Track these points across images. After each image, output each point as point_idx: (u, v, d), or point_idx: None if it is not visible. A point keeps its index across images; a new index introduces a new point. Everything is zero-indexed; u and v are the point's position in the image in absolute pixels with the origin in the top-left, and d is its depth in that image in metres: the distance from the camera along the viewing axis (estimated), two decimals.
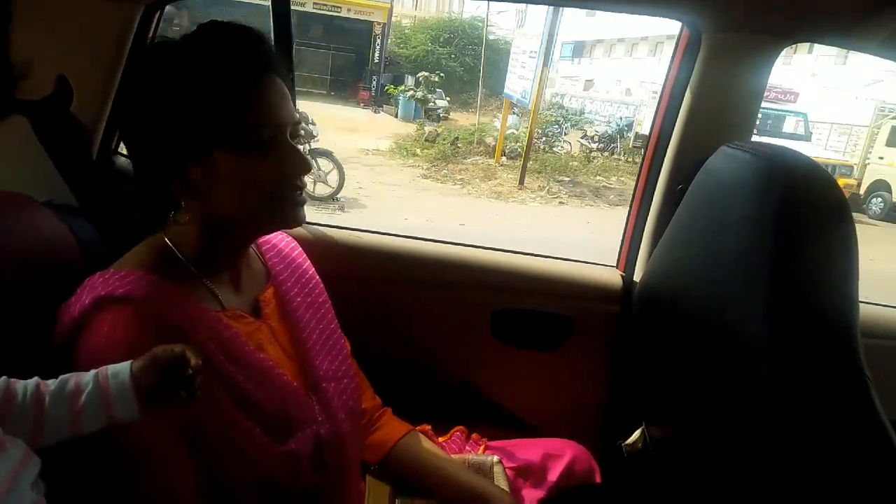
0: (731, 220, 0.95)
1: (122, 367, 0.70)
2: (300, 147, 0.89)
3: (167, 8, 1.31)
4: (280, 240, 1.10)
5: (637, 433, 1.31)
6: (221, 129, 0.82)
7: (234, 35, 0.85)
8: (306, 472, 0.90)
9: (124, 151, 1.36)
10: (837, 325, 0.82)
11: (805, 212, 0.84)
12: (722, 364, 0.94)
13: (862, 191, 12.46)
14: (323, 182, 7.89)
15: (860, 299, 0.85)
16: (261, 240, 1.04)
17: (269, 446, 0.86)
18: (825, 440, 0.82)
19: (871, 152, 13.16)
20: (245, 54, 0.84)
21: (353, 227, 1.51)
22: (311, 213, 0.97)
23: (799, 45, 1.32)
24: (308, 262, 1.11)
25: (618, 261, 1.57)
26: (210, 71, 0.82)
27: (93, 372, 0.70)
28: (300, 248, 1.12)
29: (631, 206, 1.53)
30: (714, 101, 1.33)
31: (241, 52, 0.84)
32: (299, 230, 1.37)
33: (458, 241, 1.55)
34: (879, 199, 12.17)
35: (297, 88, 1.23)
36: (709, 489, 1.03)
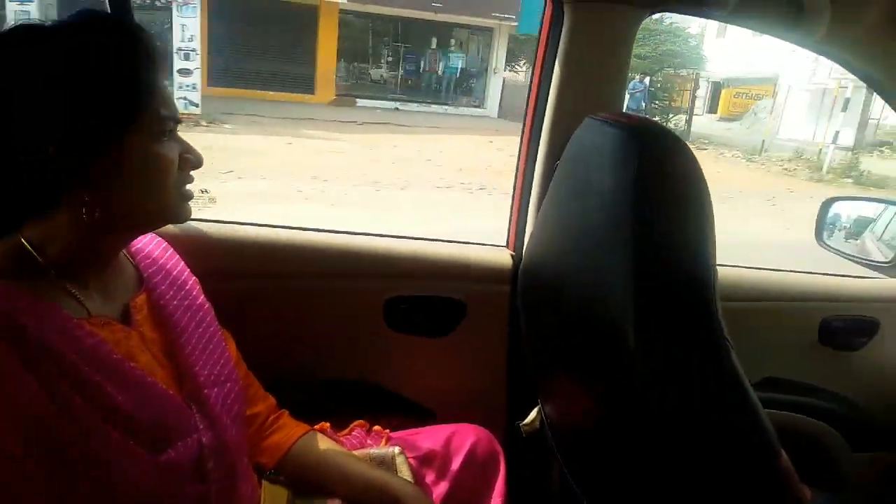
0: (594, 191, 0.97)
1: None
2: None
3: None
4: (149, 242, 1.02)
5: (534, 413, 1.33)
6: (133, 118, 0.80)
7: (122, 25, 0.83)
8: (188, 484, 0.85)
9: None
10: (697, 289, 0.85)
11: (660, 178, 0.87)
12: (597, 337, 0.96)
13: None
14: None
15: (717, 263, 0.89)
16: (131, 244, 0.98)
17: (144, 459, 0.80)
18: (687, 406, 0.85)
19: None
20: (143, 46, 0.82)
21: (226, 220, 1.42)
22: None
23: None
24: (182, 264, 1.04)
25: (507, 240, 1.57)
26: (119, 57, 0.80)
27: None
28: (172, 250, 1.05)
29: (515, 184, 1.53)
30: (581, 74, 1.36)
31: (137, 41, 0.82)
32: (169, 228, 1.28)
33: (344, 230, 1.50)
34: None
35: None
36: (594, 463, 1.05)
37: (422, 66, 19.02)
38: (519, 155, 1.51)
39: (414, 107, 17.57)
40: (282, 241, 1.42)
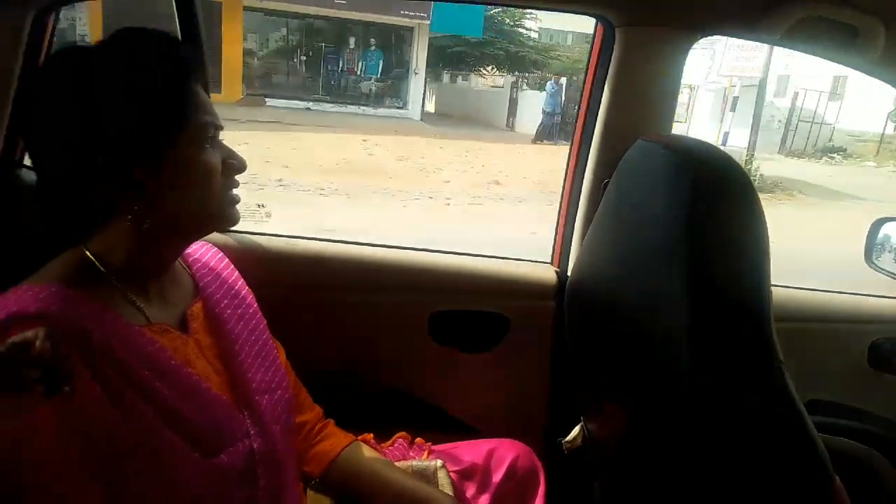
0: (647, 211, 0.97)
1: None
2: None
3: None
4: (205, 252, 1.06)
5: (576, 429, 1.32)
6: (177, 127, 0.83)
7: (160, 39, 0.86)
8: (238, 488, 0.88)
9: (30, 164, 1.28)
10: (751, 310, 0.84)
11: (713, 199, 0.87)
12: (648, 356, 0.96)
13: None
14: None
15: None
16: (186, 253, 1.01)
17: (197, 461, 0.83)
18: (742, 430, 0.84)
19: None
20: (178, 56, 0.86)
21: (280, 234, 1.47)
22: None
23: None
24: (236, 273, 1.08)
25: (552, 256, 1.58)
26: (159, 70, 0.83)
27: None
28: (227, 260, 1.09)
29: (561, 202, 1.54)
30: (631, 96, 1.36)
31: (174, 54, 0.86)
32: (225, 239, 1.33)
33: (391, 245, 1.52)
34: None
35: None
36: (640, 482, 1.05)
37: (340, 65, 18.63)
38: (566, 172, 1.52)
39: (328, 107, 17.21)
40: (331, 255, 1.46)
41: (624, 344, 1.05)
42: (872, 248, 1.75)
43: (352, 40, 18.54)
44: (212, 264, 1.05)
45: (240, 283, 1.06)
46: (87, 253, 0.85)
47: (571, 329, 1.34)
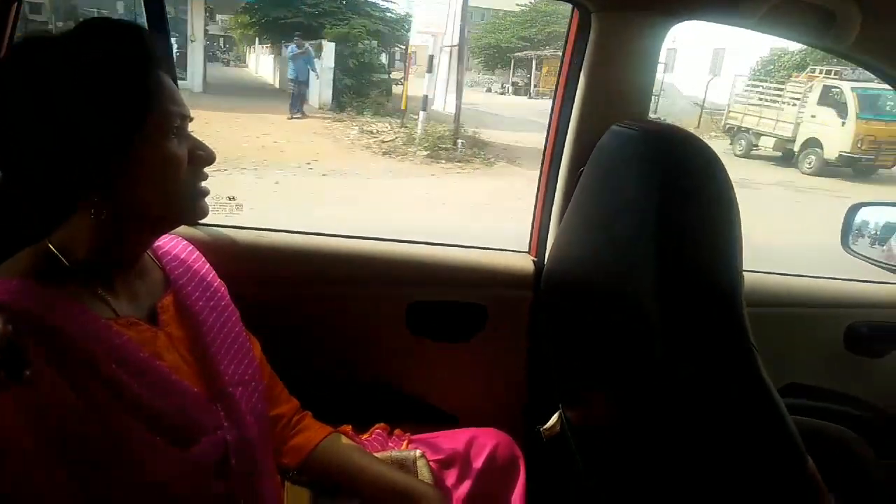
0: (620, 197, 0.97)
1: None
2: None
3: None
4: (175, 245, 1.05)
5: (555, 417, 1.33)
6: (140, 120, 0.81)
7: (124, 29, 0.84)
8: (213, 480, 0.87)
9: None
10: (722, 294, 0.85)
11: (684, 183, 0.87)
12: (623, 342, 0.96)
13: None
14: None
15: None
16: (156, 246, 1.00)
17: (169, 453, 0.82)
18: (714, 413, 0.85)
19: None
20: (142, 47, 0.84)
21: (253, 226, 1.45)
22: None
23: None
24: (208, 266, 1.07)
25: (529, 246, 1.58)
26: (121, 63, 0.80)
27: None
28: (198, 252, 1.07)
29: (538, 191, 1.54)
30: (607, 82, 1.36)
31: (137, 45, 0.83)
32: (195, 232, 1.31)
33: (367, 236, 1.51)
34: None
35: None
36: (618, 468, 1.05)
37: None
38: (542, 161, 1.52)
39: None
40: (306, 247, 1.44)
41: (599, 331, 1.05)
42: (849, 232, 1.77)
43: (119, 5, 16.82)
44: (182, 256, 1.04)
45: (211, 275, 1.05)
46: (51, 247, 0.84)
47: (548, 317, 1.34)
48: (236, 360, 0.98)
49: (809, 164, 12.93)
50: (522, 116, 16.17)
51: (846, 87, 12.77)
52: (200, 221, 1.33)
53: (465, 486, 1.21)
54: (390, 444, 1.27)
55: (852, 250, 1.75)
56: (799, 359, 1.65)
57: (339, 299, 1.46)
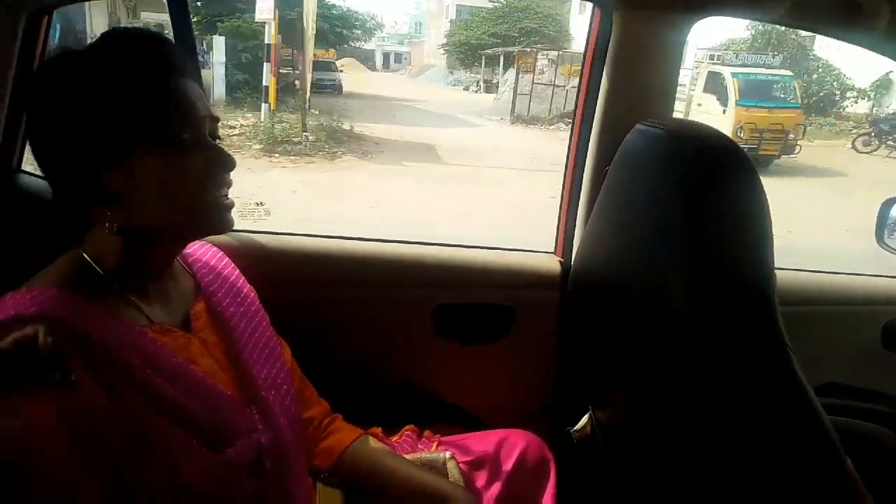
0: (646, 196, 0.96)
1: None
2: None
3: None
4: (205, 252, 1.06)
5: (585, 418, 1.32)
6: (141, 130, 0.80)
7: (141, 39, 0.85)
8: (247, 481, 0.88)
9: (28, 169, 1.29)
10: (754, 293, 0.83)
11: (712, 182, 0.86)
12: (652, 341, 0.95)
13: None
14: None
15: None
16: (186, 253, 1.01)
17: (205, 456, 0.83)
18: (750, 414, 0.83)
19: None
20: (155, 56, 0.84)
21: (281, 231, 1.47)
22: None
23: None
24: (237, 272, 1.08)
25: (555, 246, 1.57)
26: (123, 74, 0.81)
27: None
28: (227, 259, 1.09)
29: (563, 191, 1.53)
30: (630, 81, 1.35)
31: (150, 54, 0.84)
32: (224, 238, 1.32)
33: (393, 239, 1.52)
34: None
35: None
36: (649, 470, 1.04)
37: None
38: (567, 161, 1.51)
39: None
40: (333, 251, 1.46)
41: (628, 331, 1.04)
42: (884, 227, 1.73)
43: None
44: (212, 263, 1.05)
45: (241, 281, 1.07)
46: (85, 255, 0.85)
47: (576, 318, 1.33)
48: (268, 364, 0.99)
49: None
50: (450, 113, 16.21)
51: (727, 72, 12.11)
52: None
53: (496, 488, 1.20)
54: (420, 445, 1.27)
55: (888, 245, 1.71)
56: (835, 358, 1.61)
57: (367, 302, 1.47)
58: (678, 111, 12.32)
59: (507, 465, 1.22)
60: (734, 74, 11.92)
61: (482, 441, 1.27)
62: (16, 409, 0.68)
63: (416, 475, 1.11)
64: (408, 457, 1.18)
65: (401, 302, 1.48)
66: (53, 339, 0.68)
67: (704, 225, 0.84)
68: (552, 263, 1.53)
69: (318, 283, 1.44)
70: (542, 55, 15.19)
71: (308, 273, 1.43)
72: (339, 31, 19.11)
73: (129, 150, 0.80)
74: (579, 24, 20.98)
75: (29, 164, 1.28)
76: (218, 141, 0.89)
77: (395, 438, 1.27)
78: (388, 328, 1.48)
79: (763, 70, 12.21)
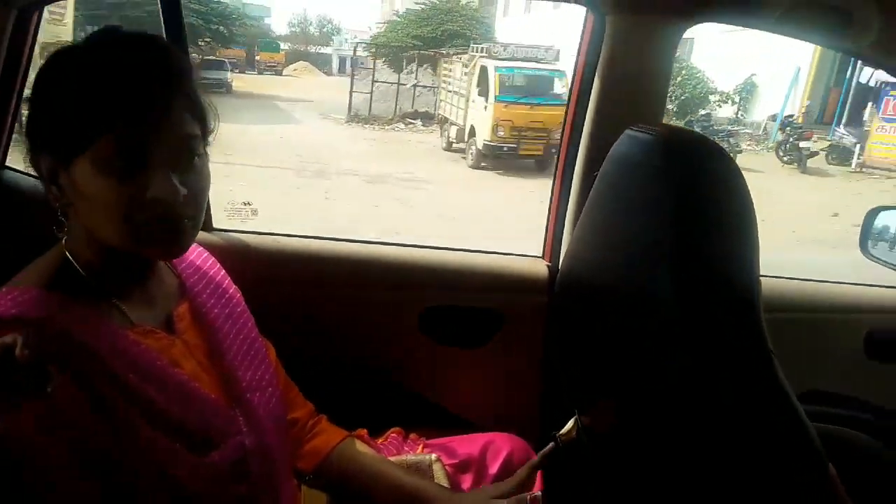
0: (635, 201, 0.96)
1: None
2: (197, 162, 0.82)
3: None
4: (191, 251, 1.04)
5: (571, 422, 1.32)
6: (82, 138, 0.76)
7: (134, 42, 0.81)
8: (232, 485, 0.87)
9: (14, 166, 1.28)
10: (741, 300, 0.84)
11: (700, 187, 0.86)
12: (637, 346, 0.95)
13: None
14: None
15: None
16: None
17: (189, 460, 0.82)
18: (734, 420, 0.83)
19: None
20: (132, 62, 0.78)
21: (268, 231, 1.46)
22: None
23: None
24: (223, 273, 1.07)
25: (543, 251, 1.58)
26: (88, 77, 0.76)
27: None
28: (213, 259, 1.07)
29: (552, 196, 1.53)
30: (622, 85, 1.35)
31: (128, 58, 0.78)
32: (211, 237, 1.32)
33: (382, 241, 1.52)
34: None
35: None
36: (635, 474, 1.05)
37: None
38: (556, 166, 1.51)
39: None
40: (320, 252, 1.45)
41: (614, 336, 1.05)
42: (868, 237, 1.75)
43: None
44: (198, 263, 1.04)
45: (227, 282, 1.06)
46: (67, 254, 0.84)
47: (562, 322, 1.33)
48: (253, 366, 0.99)
49: (472, 154, 11.13)
50: (305, 111, 16.26)
51: (491, 66, 11.05)
52: (216, 226, 1.35)
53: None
54: (405, 448, 1.27)
55: (871, 255, 1.73)
56: (818, 365, 1.63)
57: (354, 304, 1.46)
58: (459, 107, 12.00)
59: (493, 469, 1.23)
60: (497, 69, 10.99)
61: (468, 444, 1.27)
62: None
63: (402, 477, 1.10)
64: (393, 459, 1.18)
65: (388, 304, 1.48)
66: (32, 348, 0.65)
67: (692, 231, 0.85)
68: (540, 268, 1.53)
69: (304, 284, 1.43)
70: (458, 59, 14.33)
71: (295, 274, 1.43)
72: (216, 29, 18.61)
73: (71, 153, 0.77)
74: (505, 27, 20.90)
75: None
76: (198, 158, 0.83)
77: (380, 440, 1.27)
78: (375, 330, 1.48)
79: (531, 65, 11.19)
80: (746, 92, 16.46)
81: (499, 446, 1.25)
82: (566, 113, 1.49)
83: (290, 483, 1.02)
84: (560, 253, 1.51)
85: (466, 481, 1.22)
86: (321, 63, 34.08)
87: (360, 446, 1.15)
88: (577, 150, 1.43)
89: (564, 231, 1.49)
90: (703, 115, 14.11)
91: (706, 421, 0.85)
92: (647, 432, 0.97)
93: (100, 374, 0.77)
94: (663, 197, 0.87)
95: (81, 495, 0.74)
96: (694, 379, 0.84)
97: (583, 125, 1.40)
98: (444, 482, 1.16)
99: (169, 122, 0.79)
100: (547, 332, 1.51)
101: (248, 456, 0.89)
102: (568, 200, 1.47)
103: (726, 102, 16.20)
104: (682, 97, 15.34)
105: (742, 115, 16.49)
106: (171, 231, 0.80)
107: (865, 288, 1.74)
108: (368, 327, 1.47)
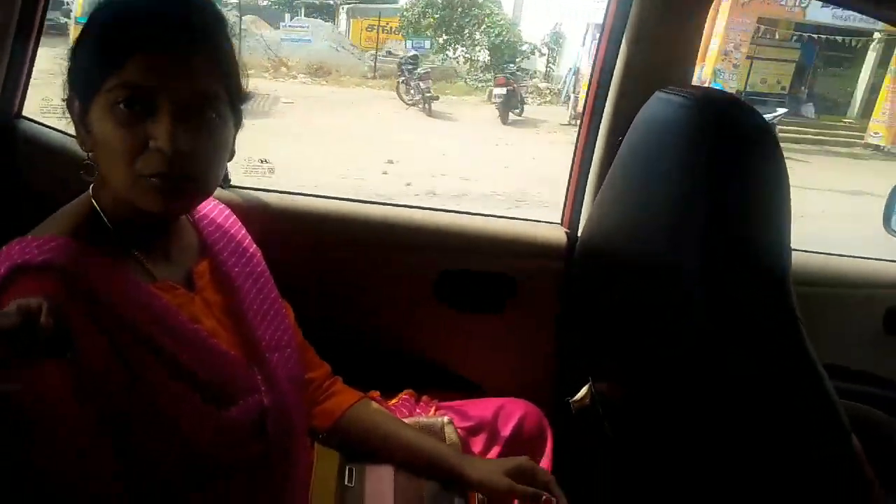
0: (664, 166, 0.94)
1: None
2: (213, 121, 0.80)
3: None
4: (213, 208, 1.04)
5: (584, 389, 1.32)
6: (97, 78, 0.76)
7: None
8: (247, 442, 0.87)
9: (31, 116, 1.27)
10: (771, 263, 0.83)
11: (736, 153, 0.84)
12: (660, 312, 0.94)
13: None
14: None
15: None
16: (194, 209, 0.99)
17: (208, 414, 0.83)
18: (760, 386, 0.83)
19: None
20: (154, 6, 0.78)
21: (286, 190, 1.45)
22: None
23: None
24: (244, 231, 1.06)
25: (562, 217, 1.56)
26: (108, 18, 0.79)
27: None
28: (234, 217, 1.07)
29: (573, 161, 1.51)
30: (650, 48, 1.32)
31: (153, 3, 0.78)
32: (230, 195, 1.31)
33: (400, 203, 1.51)
34: None
35: None
36: (651, 441, 1.04)
37: None
38: (578, 133, 1.49)
39: None
40: (337, 213, 1.44)
41: (637, 303, 1.03)
42: (892, 212, 1.71)
43: None
44: (219, 221, 1.03)
45: (247, 241, 1.05)
46: (94, 202, 0.84)
47: (581, 289, 1.32)
48: (273, 325, 0.98)
49: None
50: None
51: None
52: (233, 184, 1.34)
53: (494, 453, 1.21)
54: (418, 409, 1.27)
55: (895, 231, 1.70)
56: (837, 340, 1.61)
57: (369, 265, 1.46)
58: None
59: (505, 432, 1.23)
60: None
61: (480, 407, 1.27)
62: (16, 374, 0.66)
63: (414, 438, 1.11)
64: (406, 421, 1.18)
65: (404, 266, 1.47)
66: (56, 312, 0.65)
67: (727, 198, 0.83)
68: (558, 234, 1.51)
69: (321, 245, 1.43)
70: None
71: (311, 234, 1.42)
72: None
73: (89, 93, 0.78)
74: None
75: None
76: (217, 118, 0.81)
77: (392, 402, 1.27)
78: (390, 292, 1.48)
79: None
80: (554, 42, 16.01)
81: (511, 411, 1.25)
82: (590, 77, 1.46)
83: (304, 442, 1.03)
84: (580, 220, 1.49)
85: (478, 444, 1.22)
86: None
87: (375, 407, 1.16)
88: (601, 116, 1.40)
89: (585, 197, 1.47)
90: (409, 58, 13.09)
91: (727, 390, 0.84)
92: (665, 398, 0.97)
93: (120, 325, 0.77)
94: (695, 160, 0.85)
95: (98, 450, 0.74)
96: (719, 345, 0.83)
97: (608, 88, 1.37)
98: (457, 444, 1.16)
99: (185, 72, 0.77)
100: (564, 298, 1.50)
101: (265, 415, 0.90)
102: (589, 168, 1.44)
103: (533, 54, 15.82)
104: (491, 45, 15.11)
105: (551, 69, 16.11)
106: (166, 187, 0.78)
107: (887, 263, 1.71)
108: (384, 289, 1.47)
